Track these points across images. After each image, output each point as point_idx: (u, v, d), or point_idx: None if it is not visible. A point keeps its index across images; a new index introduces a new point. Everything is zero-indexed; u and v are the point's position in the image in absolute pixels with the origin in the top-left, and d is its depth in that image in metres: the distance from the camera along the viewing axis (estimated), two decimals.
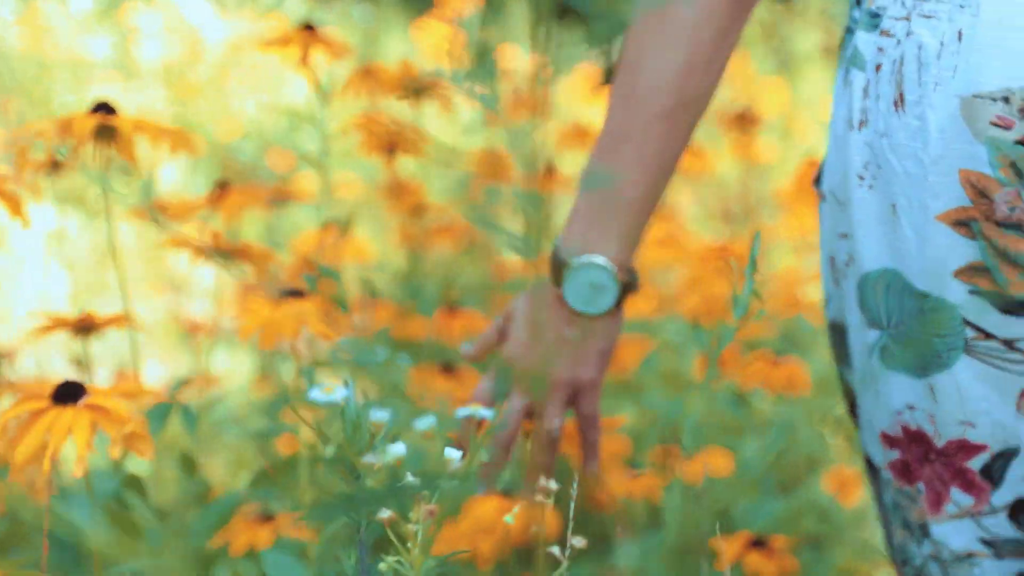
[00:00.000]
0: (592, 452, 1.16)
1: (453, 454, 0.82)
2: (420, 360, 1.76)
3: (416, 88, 1.58)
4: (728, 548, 1.35)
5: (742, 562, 1.39)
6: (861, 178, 0.99)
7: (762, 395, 2.17)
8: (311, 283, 1.27)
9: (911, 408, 1.00)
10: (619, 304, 1.09)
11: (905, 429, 1.01)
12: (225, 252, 1.19)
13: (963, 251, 0.94)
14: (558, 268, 1.09)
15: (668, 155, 1.07)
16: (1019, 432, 0.97)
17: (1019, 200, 0.91)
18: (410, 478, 0.75)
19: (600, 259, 1.07)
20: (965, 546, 1.02)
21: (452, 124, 3.45)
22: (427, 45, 6.60)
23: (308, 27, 1.54)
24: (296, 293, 1.14)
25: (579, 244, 1.08)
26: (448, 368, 1.80)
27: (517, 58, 6.76)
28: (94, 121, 1.21)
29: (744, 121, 2.78)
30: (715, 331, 0.97)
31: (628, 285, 1.09)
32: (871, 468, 1.10)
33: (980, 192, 0.92)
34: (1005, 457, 0.99)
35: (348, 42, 1.97)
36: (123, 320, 1.27)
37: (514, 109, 2.81)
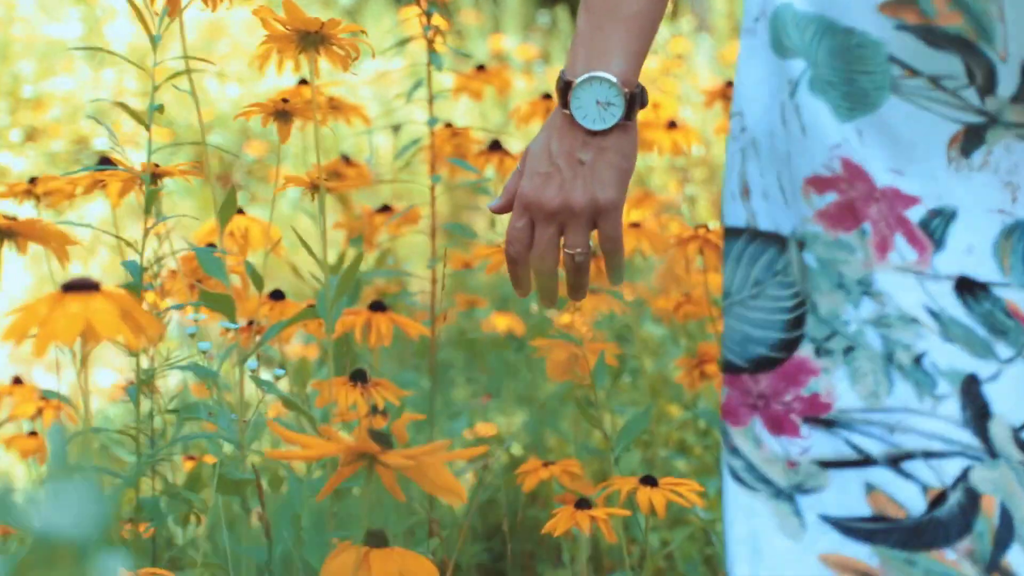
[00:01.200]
0: (617, 274, 1.17)
1: None
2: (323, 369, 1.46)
3: (307, 40, 1.27)
4: None
5: None
6: None
7: None
8: (135, 271, 0.96)
9: (848, 142, 0.95)
10: (629, 117, 1.09)
11: (847, 163, 0.95)
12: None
13: None
14: (564, 90, 1.08)
15: None
16: (952, 189, 0.93)
17: None
18: None
19: (603, 74, 1.07)
20: (912, 307, 0.93)
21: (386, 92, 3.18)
22: (413, 30, 6.34)
23: None
24: (87, 286, 0.83)
25: (583, 64, 1.08)
26: (358, 377, 1.48)
27: (509, 44, 6.48)
28: None
29: (728, 97, 2.49)
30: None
31: (635, 97, 1.09)
32: (769, 240, 1.00)
33: None
34: (943, 216, 0.94)
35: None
36: None
37: (476, 84, 2.50)
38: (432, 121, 1.81)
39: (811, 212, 0.96)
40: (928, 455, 0.93)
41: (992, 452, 0.92)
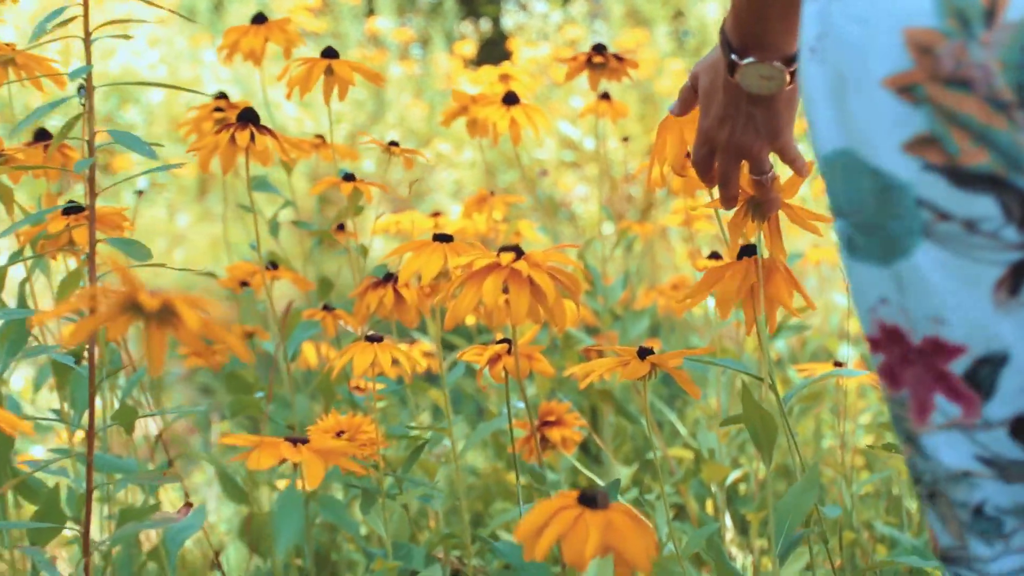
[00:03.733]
0: (804, 169, 1.21)
1: None
2: None
3: None
4: None
5: None
6: (813, 51, 0.89)
7: None
8: None
9: (884, 302, 0.89)
10: (791, 81, 1.13)
11: (881, 326, 0.90)
12: None
13: (910, 120, 0.83)
14: (730, 64, 1.13)
15: None
16: (1001, 333, 0.85)
17: (965, 54, 0.81)
18: None
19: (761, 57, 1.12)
20: (959, 463, 0.89)
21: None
22: (283, 10, 5.57)
23: None
24: None
25: (743, 45, 1.12)
26: None
27: (385, 26, 5.74)
28: None
29: (594, 65, 1.80)
30: None
31: (794, 64, 1.11)
32: None
33: (924, 49, 0.82)
34: (992, 364, 0.86)
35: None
36: None
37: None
38: (80, 92, 1.07)
39: (876, 369, 0.94)
40: None
41: None
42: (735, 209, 1.23)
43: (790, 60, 1.12)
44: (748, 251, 1.21)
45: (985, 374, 0.86)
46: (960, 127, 0.81)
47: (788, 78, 1.11)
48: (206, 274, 1.87)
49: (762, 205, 1.21)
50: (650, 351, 1.20)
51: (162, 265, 1.15)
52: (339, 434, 1.34)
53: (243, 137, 1.34)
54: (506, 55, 5.31)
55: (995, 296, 0.84)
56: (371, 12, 5.72)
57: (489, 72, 2.16)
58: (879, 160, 0.84)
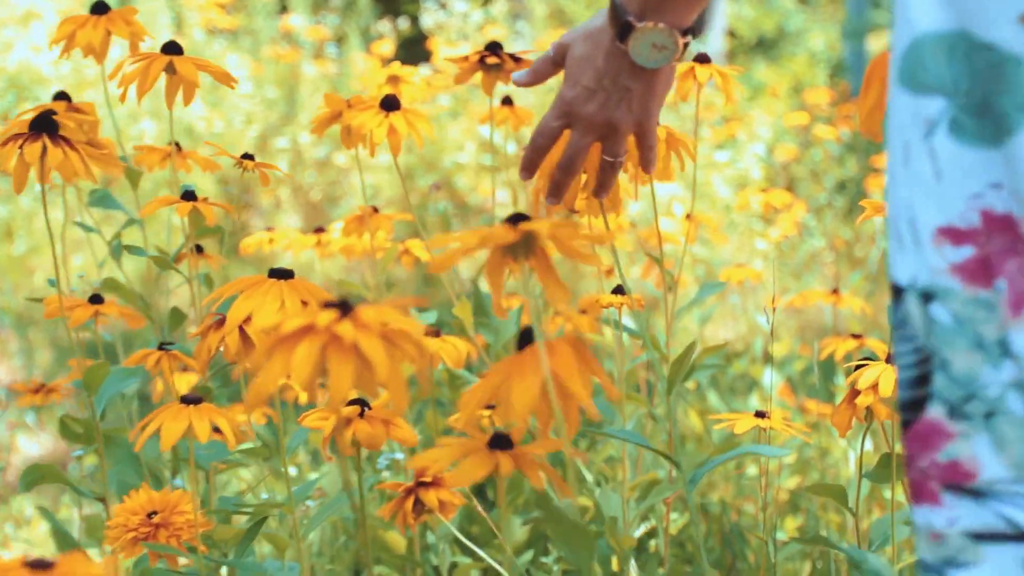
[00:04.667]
0: (652, 165, 1.18)
1: None
2: None
3: None
4: None
5: None
6: None
7: None
8: None
9: (997, 187, 0.80)
10: (679, 59, 1.09)
11: (987, 215, 0.81)
12: None
13: None
14: (623, 28, 1.07)
15: None
16: None
17: None
18: None
19: (664, 24, 1.06)
20: None
21: None
22: (194, 6, 5.27)
23: None
24: None
25: (643, 9, 1.06)
26: None
27: (299, 24, 5.46)
28: None
29: (488, 68, 1.56)
30: None
31: (688, 32, 1.08)
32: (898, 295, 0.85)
33: None
34: None
35: None
36: None
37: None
38: None
39: (944, 264, 0.82)
40: None
41: None
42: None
43: (683, 33, 1.08)
44: (527, 338, 0.89)
45: None
46: None
47: (680, 51, 1.07)
48: (35, 300, 1.62)
49: (604, 186, 1.17)
50: (507, 441, 0.92)
51: None
52: (151, 515, 1.07)
53: (32, 152, 1.07)
54: (426, 55, 5.05)
55: None
56: (284, 9, 5.43)
57: (376, 73, 1.90)
58: (994, 34, 0.80)
